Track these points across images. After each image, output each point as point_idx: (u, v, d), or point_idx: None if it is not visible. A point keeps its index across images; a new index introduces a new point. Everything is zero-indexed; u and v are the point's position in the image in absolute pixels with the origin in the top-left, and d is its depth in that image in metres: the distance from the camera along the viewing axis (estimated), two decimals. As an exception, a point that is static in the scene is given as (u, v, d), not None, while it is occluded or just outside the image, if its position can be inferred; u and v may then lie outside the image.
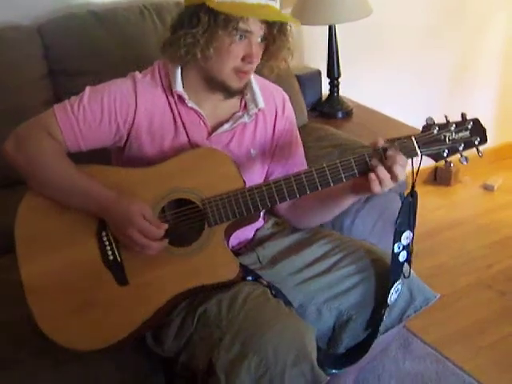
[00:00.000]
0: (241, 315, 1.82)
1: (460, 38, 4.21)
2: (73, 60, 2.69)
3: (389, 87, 3.91)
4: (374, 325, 2.01)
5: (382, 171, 1.81)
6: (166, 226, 1.83)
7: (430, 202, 4.02)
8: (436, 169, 4.41)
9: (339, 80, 3.47)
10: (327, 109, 3.46)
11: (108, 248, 1.89)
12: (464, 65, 4.33)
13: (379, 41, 3.81)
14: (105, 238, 1.89)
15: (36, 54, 2.65)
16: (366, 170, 1.84)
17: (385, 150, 1.84)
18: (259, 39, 1.91)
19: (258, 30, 1.89)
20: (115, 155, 2.07)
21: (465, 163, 1.87)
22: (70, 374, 1.91)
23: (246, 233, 2.14)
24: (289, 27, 1.96)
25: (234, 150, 2.06)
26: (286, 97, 2.21)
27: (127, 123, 1.95)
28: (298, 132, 2.22)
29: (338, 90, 3.49)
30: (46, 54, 2.67)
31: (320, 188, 1.87)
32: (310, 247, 2.11)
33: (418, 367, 2.73)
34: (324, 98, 3.53)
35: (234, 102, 2.06)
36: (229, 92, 1.97)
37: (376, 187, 1.82)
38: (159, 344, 1.96)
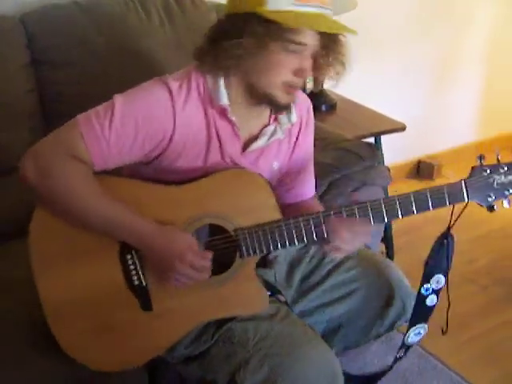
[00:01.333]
0: (269, 338, 1.78)
1: (445, 32, 4.22)
2: (56, 50, 2.65)
3: (373, 81, 3.91)
4: None
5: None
6: (210, 255, 1.75)
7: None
8: (419, 163, 4.42)
9: (323, 73, 3.46)
10: (311, 102, 3.44)
11: (133, 272, 1.78)
12: (449, 59, 4.35)
13: (364, 35, 3.74)
14: (130, 262, 1.78)
15: (19, 44, 2.61)
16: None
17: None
18: (313, 53, 1.75)
19: (313, 43, 1.73)
20: (131, 166, 1.85)
21: (507, 206, 1.77)
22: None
23: None
24: (345, 38, 1.83)
25: (261, 164, 1.93)
26: (311, 105, 2.08)
27: (163, 143, 1.77)
28: (313, 152, 2.12)
29: (322, 83, 3.48)
30: (30, 44, 2.63)
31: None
32: (310, 254, 2.09)
33: (401, 362, 2.71)
34: (308, 91, 3.51)
35: (265, 115, 1.92)
36: (276, 107, 1.82)
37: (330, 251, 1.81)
38: (169, 351, 1.88)
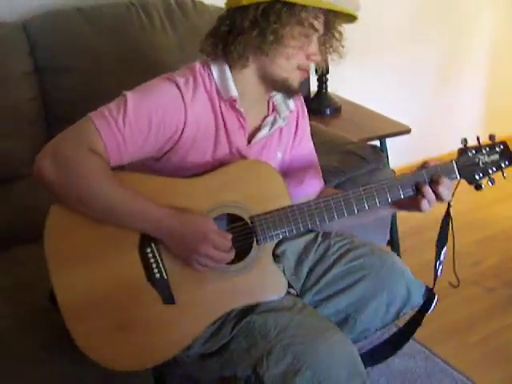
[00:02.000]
0: (290, 328, 1.78)
1: (447, 34, 4.23)
2: (59, 57, 2.67)
3: (377, 83, 3.91)
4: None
5: (428, 193, 1.85)
6: (230, 235, 1.78)
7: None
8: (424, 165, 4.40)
9: (327, 76, 3.47)
10: (315, 105, 3.45)
11: (154, 265, 1.78)
12: (451, 61, 4.35)
13: (367, 37, 3.79)
14: (150, 255, 1.78)
15: (21, 51, 2.63)
16: (411, 191, 1.88)
17: (429, 174, 1.89)
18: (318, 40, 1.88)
19: (321, 29, 1.86)
20: (139, 163, 1.86)
21: (491, 184, 1.95)
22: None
23: None
24: (342, 28, 1.94)
25: (265, 154, 2.00)
26: (301, 95, 2.14)
27: (174, 137, 1.81)
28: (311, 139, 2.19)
29: (326, 87, 3.49)
30: (32, 51, 2.65)
31: (367, 208, 1.88)
32: (315, 247, 2.10)
33: (408, 364, 2.73)
34: (312, 95, 3.52)
35: (265, 105, 2.01)
36: (290, 91, 1.92)
37: (425, 206, 1.87)
38: (186, 348, 1.86)
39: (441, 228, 2.00)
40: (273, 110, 2.01)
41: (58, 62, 2.67)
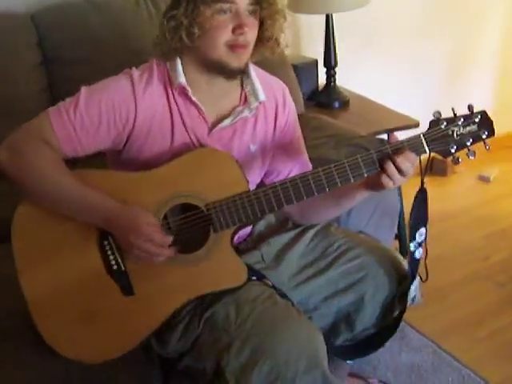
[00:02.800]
0: (250, 320, 1.78)
1: (458, 27, 4.21)
2: (68, 48, 2.68)
3: (386, 77, 3.91)
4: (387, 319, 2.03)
5: (390, 168, 1.78)
6: (170, 238, 1.78)
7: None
8: (432, 159, 4.38)
9: (336, 70, 3.46)
10: (324, 99, 3.45)
11: (111, 257, 1.82)
12: (461, 55, 4.33)
13: (376, 30, 3.79)
14: (107, 247, 1.82)
15: (30, 43, 2.64)
16: (374, 168, 1.81)
17: (393, 147, 1.81)
18: (247, 11, 1.80)
19: (241, 0, 1.78)
20: (111, 156, 1.97)
21: (472, 158, 1.83)
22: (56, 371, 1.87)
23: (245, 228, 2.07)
24: None
25: (235, 146, 1.97)
26: (286, 89, 2.12)
27: (127, 128, 1.84)
28: (300, 131, 2.15)
29: (334, 80, 3.48)
30: (41, 43, 2.65)
31: (328, 190, 1.82)
32: (311, 243, 2.10)
33: (414, 359, 2.73)
34: (321, 88, 3.51)
35: (234, 95, 1.97)
36: (229, 72, 1.85)
37: (388, 183, 1.80)
38: (164, 346, 1.91)
39: (413, 207, 1.91)
40: (244, 101, 1.98)
41: (66, 53, 2.68)
